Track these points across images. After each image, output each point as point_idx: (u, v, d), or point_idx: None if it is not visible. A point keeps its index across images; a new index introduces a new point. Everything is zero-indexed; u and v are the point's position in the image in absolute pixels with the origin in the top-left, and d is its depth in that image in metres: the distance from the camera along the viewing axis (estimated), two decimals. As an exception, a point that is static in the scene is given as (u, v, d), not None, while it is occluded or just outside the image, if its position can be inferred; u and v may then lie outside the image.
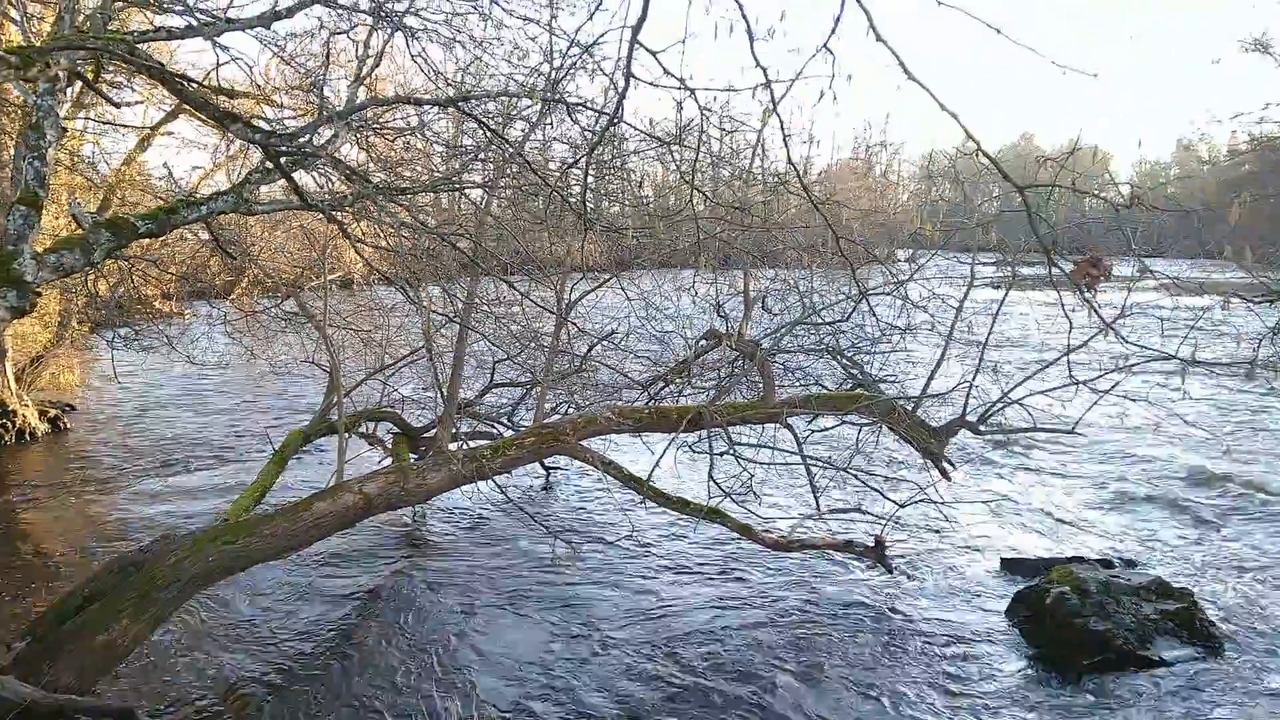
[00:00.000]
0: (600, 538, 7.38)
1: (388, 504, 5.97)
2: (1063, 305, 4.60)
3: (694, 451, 7.10)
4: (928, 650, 5.42)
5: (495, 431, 8.43)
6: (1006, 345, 6.81)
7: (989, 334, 6.83)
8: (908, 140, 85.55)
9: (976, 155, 2.48)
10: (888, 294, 7.37)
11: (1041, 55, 2.08)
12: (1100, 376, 6.70)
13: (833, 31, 2.02)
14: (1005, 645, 5.48)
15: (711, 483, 6.67)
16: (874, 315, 8.07)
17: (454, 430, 7.33)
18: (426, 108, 5.54)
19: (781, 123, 2.39)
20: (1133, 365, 7.52)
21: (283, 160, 3.88)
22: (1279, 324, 11.06)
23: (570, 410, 8.03)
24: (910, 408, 6.88)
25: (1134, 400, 6.26)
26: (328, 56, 5.19)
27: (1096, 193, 3.01)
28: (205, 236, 8.90)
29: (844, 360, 7.77)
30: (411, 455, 7.62)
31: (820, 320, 7.76)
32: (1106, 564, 6.24)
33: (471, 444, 7.29)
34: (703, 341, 8.11)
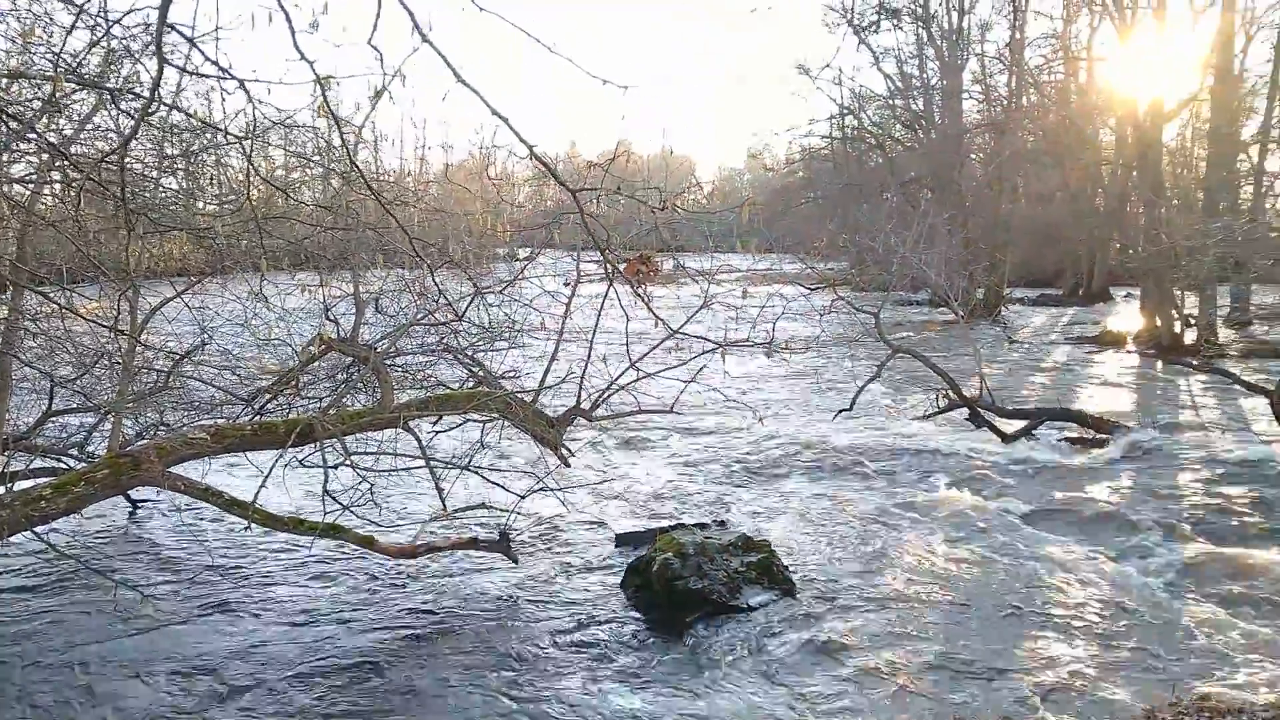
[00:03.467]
0: (199, 574, 6.65)
1: (-94, 570, 4.84)
2: (618, 298, 5.01)
3: (307, 466, 6.68)
4: (552, 631, 5.65)
5: (65, 466, 7.22)
6: (614, 335, 7.35)
7: (595, 326, 7.28)
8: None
9: (530, 158, 2.61)
10: (498, 291, 7.56)
11: (580, 67, 2.22)
12: (689, 360, 7.47)
13: (374, 28, 1.98)
14: (620, 614, 5.90)
15: (328, 497, 6.32)
16: (487, 313, 8.21)
17: (2, 469, 6.13)
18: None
19: (337, 120, 2.31)
20: (717, 349, 8.48)
21: None
22: (849, 307, 12.99)
23: (161, 434, 7.13)
24: (529, 400, 7.11)
25: (697, 379, 7.09)
26: None
27: (638, 197, 3.33)
28: None
29: (464, 359, 7.82)
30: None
31: (436, 320, 7.72)
32: (702, 526, 6.97)
33: (29, 483, 6.18)
34: (311, 349, 7.65)
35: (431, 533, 7.08)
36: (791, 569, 6.48)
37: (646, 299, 4.26)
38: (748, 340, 7.70)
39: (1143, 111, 22.25)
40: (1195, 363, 15.02)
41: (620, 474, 9.49)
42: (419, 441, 6.63)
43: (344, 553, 6.80)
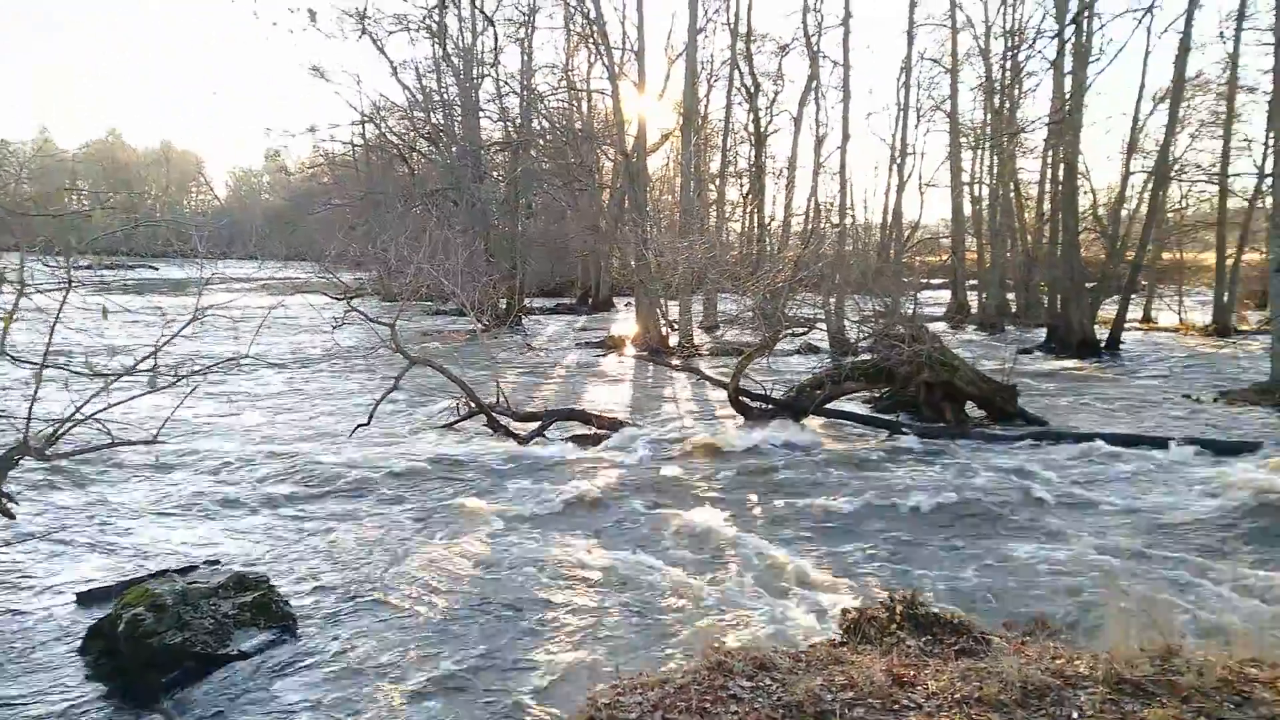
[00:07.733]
0: None
1: None
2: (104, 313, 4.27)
3: None
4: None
5: None
6: (85, 355, 6.15)
7: (49, 344, 6.09)
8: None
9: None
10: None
11: None
12: (177, 383, 6.63)
13: None
14: (81, 688, 4.95)
15: None
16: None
17: None
18: None
19: None
20: (207, 370, 7.68)
21: None
22: (345, 318, 12.58)
23: None
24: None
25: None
26: None
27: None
28: None
29: None
30: None
31: None
32: (187, 571, 6.17)
33: None
34: None
35: None
36: (294, 602, 6.04)
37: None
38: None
39: (630, 144, 25.26)
40: (676, 363, 17.41)
41: (87, 521, 8.02)
42: None
43: None
